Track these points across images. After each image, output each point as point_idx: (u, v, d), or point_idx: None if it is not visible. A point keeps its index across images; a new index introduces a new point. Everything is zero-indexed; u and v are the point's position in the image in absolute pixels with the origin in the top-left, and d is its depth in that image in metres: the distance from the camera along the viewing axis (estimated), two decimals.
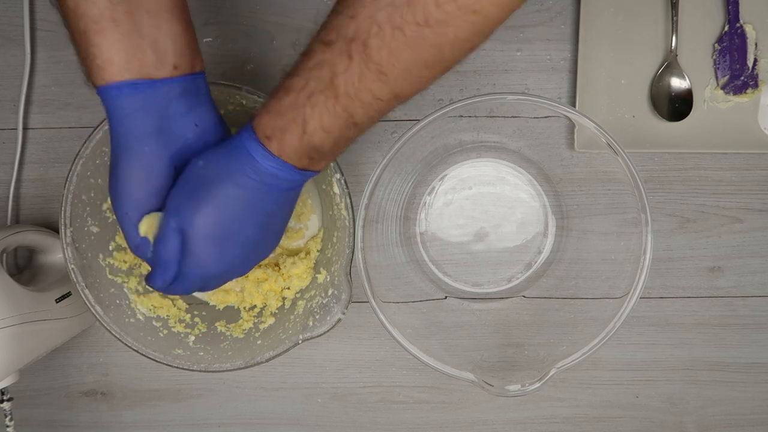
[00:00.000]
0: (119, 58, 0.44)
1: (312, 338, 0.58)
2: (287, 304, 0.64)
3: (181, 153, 0.49)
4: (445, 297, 0.68)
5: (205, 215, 0.47)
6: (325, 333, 0.58)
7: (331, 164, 0.57)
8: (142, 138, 0.47)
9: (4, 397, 0.60)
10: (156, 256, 0.49)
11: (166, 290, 0.51)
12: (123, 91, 0.45)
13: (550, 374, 0.55)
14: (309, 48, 0.45)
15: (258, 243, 0.50)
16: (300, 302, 0.63)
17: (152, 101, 0.46)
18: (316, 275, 0.64)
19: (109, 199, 0.61)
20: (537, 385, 0.54)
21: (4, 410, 0.61)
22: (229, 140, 0.48)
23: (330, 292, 0.59)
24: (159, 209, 0.49)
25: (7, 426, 0.61)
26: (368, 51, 0.42)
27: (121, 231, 0.52)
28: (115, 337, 0.59)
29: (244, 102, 0.59)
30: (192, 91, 0.48)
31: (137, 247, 0.50)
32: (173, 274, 0.49)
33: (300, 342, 0.58)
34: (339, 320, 0.58)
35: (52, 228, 0.68)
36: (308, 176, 0.49)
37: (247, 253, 0.50)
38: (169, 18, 0.46)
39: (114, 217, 0.62)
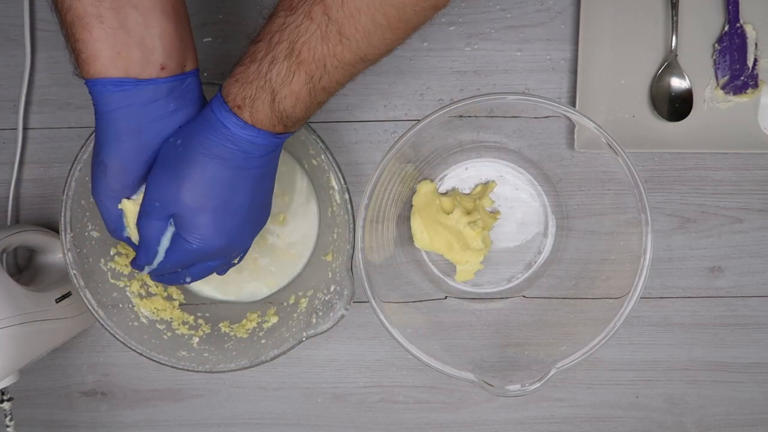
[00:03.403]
0: (104, 54, 0.45)
1: (316, 335, 0.58)
2: (291, 301, 0.64)
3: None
4: (445, 297, 0.68)
5: (192, 188, 0.47)
6: (328, 329, 0.58)
7: (328, 163, 0.58)
8: (122, 135, 0.47)
9: (4, 397, 0.60)
10: (140, 236, 0.50)
11: (161, 271, 0.52)
12: (107, 88, 0.45)
13: (550, 374, 0.55)
14: (274, 12, 0.45)
15: (250, 210, 0.50)
16: (303, 300, 0.63)
17: (135, 100, 0.46)
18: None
19: None
20: (537, 385, 0.54)
21: (4, 410, 0.61)
22: (201, 113, 0.48)
23: (332, 288, 0.59)
24: (117, 197, 0.51)
25: (7, 426, 0.61)
26: (328, 11, 0.42)
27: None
28: (119, 341, 0.59)
29: None
30: (180, 92, 0.48)
31: (114, 230, 0.52)
32: (154, 252, 0.50)
33: (304, 339, 0.58)
34: (342, 316, 0.58)
35: (52, 228, 0.68)
36: (285, 138, 0.49)
37: (242, 222, 0.50)
38: (159, 16, 0.46)
39: None
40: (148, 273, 0.52)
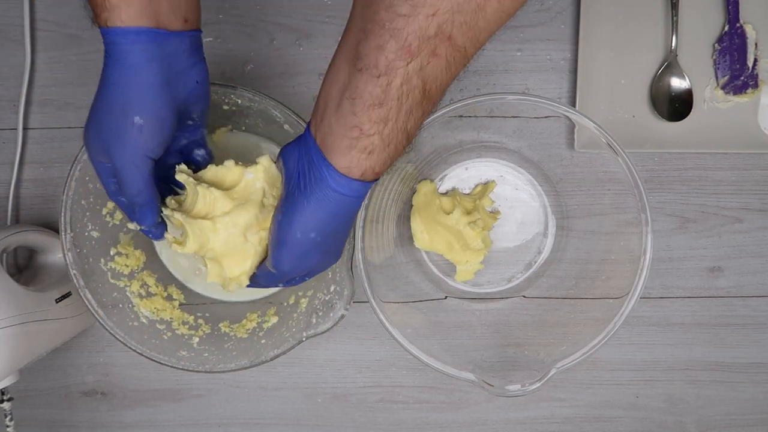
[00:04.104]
0: (137, 1, 0.42)
1: (316, 335, 0.58)
2: (291, 301, 0.64)
3: (181, 107, 0.48)
4: (445, 297, 0.68)
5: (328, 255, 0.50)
6: (329, 329, 0.58)
7: None
8: (157, 89, 0.45)
9: (4, 397, 0.60)
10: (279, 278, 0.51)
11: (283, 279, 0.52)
12: (140, 37, 0.43)
13: (550, 374, 0.55)
14: (381, 69, 0.41)
15: None
16: (303, 300, 0.63)
17: (164, 53, 0.45)
18: None
19: (108, 204, 0.61)
20: (537, 385, 0.54)
21: (4, 410, 0.61)
22: (330, 198, 0.46)
23: (332, 288, 0.59)
24: (158, 158, 0.48)
25: (7, 426, 0.61)
26: (453, 41, 0.40)
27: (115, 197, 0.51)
28: (119, 341, 0.59)
29: (239, 101, 0.59)
30: (196, 47, 0.48)
31: (139, 192, 0.48)
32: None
33: (304, 339, 0.58)
34: (342, 316, 0.58)
35: (52, 228, 0.68)
36: None
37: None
38: None
39: (114, 222, 0.62)
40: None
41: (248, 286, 0.53)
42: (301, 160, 0.47)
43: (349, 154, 0.43)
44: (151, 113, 0.45)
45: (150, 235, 0.53)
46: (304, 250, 0.48)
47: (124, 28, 0.43)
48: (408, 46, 0.40)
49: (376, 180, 0.46)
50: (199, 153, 0.54)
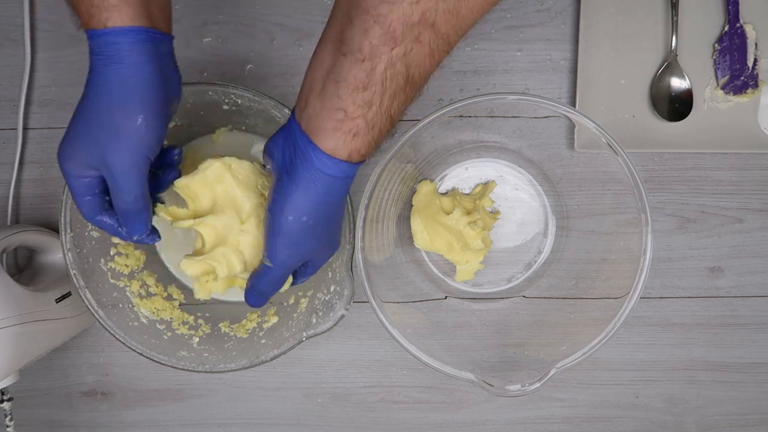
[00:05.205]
0: (134, 1, 0.43)
1: (316, 335, 0.58)
2: (291, 301, 0.64)
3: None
4: (445, 297, 0.68)
5: (327, 245, 0.51)
6: (329, 330, 0.58)
7: None
8: (154, 87, 0.45)
9: (4, 397, 0.60)
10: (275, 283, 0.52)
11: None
12: (140, 36, 0.44)
13: (550, 374, 0.55)
14: (367, 56, 0.42)
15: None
16: (303, 300, 0.63)
17: (159, 52, 0.45)
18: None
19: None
20: (537, 385, 0.54)
21: (4, 410, 0.61)
22: (318, 180, 0.46)
23: (332, 288, 0.59)
24: (150, 155, 0.47)
25: (7, 426, 0.61)
26: (436, 28, 0.41)
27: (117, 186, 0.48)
28: (120, 341, 0.59)
29: (239, 101, 0.59)
30: (173, 50, 0.48)
31: (138, 197, 0.48)
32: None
33: (304, 339, 0.58)
34: (342, 316, 0.58)
35: (52, 228, 0.68)
36: None
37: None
38: None
39: None
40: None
41: (248, 297, 0.53)
42: (288, 147, 0.47)
43: (335, 136, 0.44)
44: (154, 110, 0.46)
45: (144, 242, 0.53)
46: (297, 235, 0.48)
47: (125, 27, 0.43)
48: (392, 32, 0.41)
49: (362, 162, 0.46)
50: (175, 151, 0.54)
